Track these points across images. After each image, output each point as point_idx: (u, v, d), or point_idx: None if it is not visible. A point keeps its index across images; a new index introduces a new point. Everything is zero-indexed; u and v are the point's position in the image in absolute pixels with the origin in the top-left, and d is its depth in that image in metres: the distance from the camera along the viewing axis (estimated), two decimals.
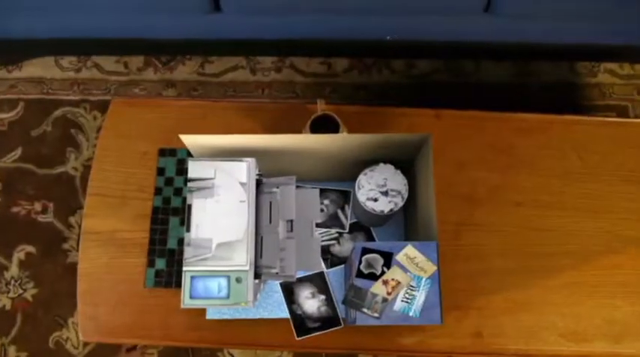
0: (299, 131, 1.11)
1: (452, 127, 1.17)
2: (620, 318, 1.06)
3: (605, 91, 1.81)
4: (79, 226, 1.65)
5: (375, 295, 0.84)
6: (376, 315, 0.82)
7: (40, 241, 1.65)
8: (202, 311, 1.05)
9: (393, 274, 0.85)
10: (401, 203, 0.94)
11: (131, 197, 1.13)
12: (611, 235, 1.10)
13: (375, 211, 0.94)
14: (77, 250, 1.63)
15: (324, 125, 1.08)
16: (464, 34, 1.58)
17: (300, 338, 1.03)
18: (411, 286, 0.83)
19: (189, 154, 1.15)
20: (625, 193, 1.13)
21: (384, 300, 0.83)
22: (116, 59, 1.84)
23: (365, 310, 0.83)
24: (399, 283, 0.84)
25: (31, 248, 1.65)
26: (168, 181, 1.14)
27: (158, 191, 1.13)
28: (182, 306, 0.80)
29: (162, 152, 1.16)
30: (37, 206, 1.68)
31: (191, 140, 0.89)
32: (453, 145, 1.15)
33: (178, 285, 1.07)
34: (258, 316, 1.04)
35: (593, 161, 1.15)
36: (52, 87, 1.81)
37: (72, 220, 1.67)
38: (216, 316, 1.04)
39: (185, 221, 1.00)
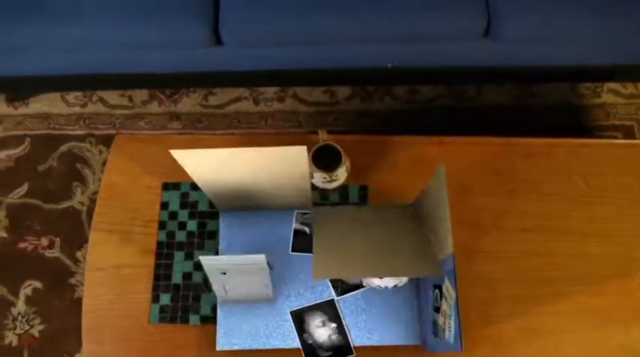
0: None
1: (455, 154, 1.16)
2: (635, 343, 1.03)
3: (610, 111, 1.81)
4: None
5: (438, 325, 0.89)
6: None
7: (47, 276, 1.65)
8: (211, 345, 1.04)
9: (444, 304, 0.86)
10: (405, 280, 0.97)
11: (136, 232, 1.13)
12: (621, 259, 1.08)
13: (380, 287, 0.98)
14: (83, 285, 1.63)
15: (326, 155, 1.08)
16: (464, 59, 1.59)
17: None
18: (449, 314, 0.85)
19: (193, 188, 1.15)
20: (633, 216, 1.11)
21: (442, 329, 0.88)
22: (121, 93, 1.86)
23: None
24: (445, 312, 0.86)
25: (37, 284, 1.64)
26: (173, 215, 1.14)
27: (162, 225, 1.13)
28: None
29: (166, 186, 1.16)
30: (44, 241, 1.68)
31: (183, 156, 0.90)
32: (457, 171, 1.15)
33: (184, 320, 1.06)
34: (269, 346, 1.03)
35: (599, 184, 1.14)
36: (58, 122, 1.83)
37: (78, 254, 1.67)
38: (227, 347, 1.03)
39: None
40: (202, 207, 1.14)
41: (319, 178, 1.09)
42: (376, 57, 1.58)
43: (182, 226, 1.13)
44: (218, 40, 1.49)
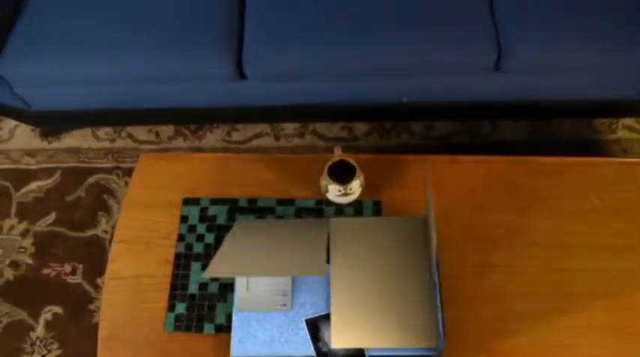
0: (318, 180, 1.14)
1: (468, 172, 1.19)
2: None
3: (626, 146, 1.82)
4: None
5: None
6: None
7: (68, 302, 1.67)
8: (225, 353, 1.04)
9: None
10: None
11: (155, 244, 1.16)
12: (637, 273, 1.06)
13: None
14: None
15: (341, 171, 1.12)
16: (477, 93, 1.64)
17: None
18: None
19: (212, 203, 1.19)
20: None
21: None
22: (148, 129, 1.95)
23: None
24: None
25: (58, 309, 1.67)
26: (191, 229, 1.17)
27: (181, 238, 1.16)
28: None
29: (186, 201, 1.20)
30: (67, 267, 1.72)
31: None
32: (470, 189, 1.17)
33: (198, 329, 1.07)
34: (283, 354, 1.02)
35: (613, 201, 1.14)
36: (87, 156, 1.92)
37: (99, 281, 1.70)
38: (242, 354, 1.02)
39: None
40: (220, 221, 1.18)
41: (334, 191, 1.12)
42: (392, 91, 1.64)
43: (200, 238, 1.16)
44: (242, 74, 1.58)
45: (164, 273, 1.13)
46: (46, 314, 1.67)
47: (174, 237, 1.16)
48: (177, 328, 1.08)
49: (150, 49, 1.53)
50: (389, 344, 0.98)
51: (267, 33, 1.53)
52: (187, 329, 1.08)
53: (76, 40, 1.54)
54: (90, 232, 1.77)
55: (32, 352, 1.62)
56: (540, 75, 1.56)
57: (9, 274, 1.74)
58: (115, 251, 1.17)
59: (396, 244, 1.09)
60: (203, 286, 1.11)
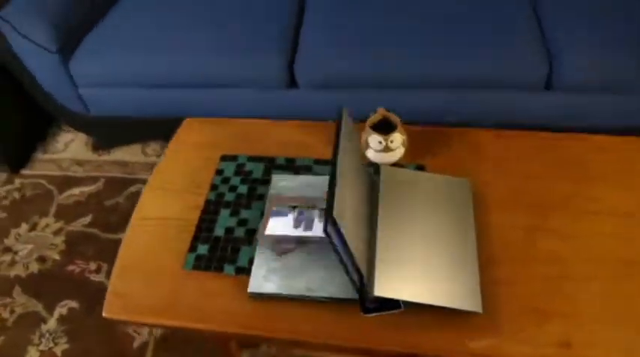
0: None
1: (515, 145, 1.14)
2: None
3: None
4: None
5: None
6: None
7: (86, 297, 1.60)
8: (243, 294, 0.94)
9: None
10: None
11: (187, 191, 1.13)
12: None
13: None
14: None
15: (383, 128, 1.09)
16: (525, 115, 1.61)
17: (367, 315, 0.89)
18: None
19: (250, 160, 1.17)
20: None
21: None
22: None
23: None
24: None
25: (74, 304, 1.59)
26: (225, 180, 1.14)
27: (214, 188, 1.13)
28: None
29: (224, 158, 1.19)
30: (92, 266, 1.67)
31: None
32: (518, 159, 1.11)
33: (218, 269, 0.99)
34: (305, 295, 0.92)
35: None
36: (133, 169, 1.95)
37: None
38: (259, 290, 0.93)
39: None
40: (255, 175, 1.14)
41: (375, 145, 1.08)
42: (439, 107, 1.64)
43: (232, 188, 1.12)
44: (293, 82, 1.63)
45: (191, 217, 1.08)
46: (62, 308, 1.59)
47: (207, 186, 1.13)
48: (195, 267, 1.00)
49: (208, 47, 1.62)
50: (433, 302, 0.87)
51: (323, 38, 1.60)
52: (207, 269, 1.00)
53: (142, 39, 1.66)
54: (122, 235, 1.74)
55: (39, 344, 1.51)
56: (596, 91, 1.51)
57: (34, 267, 1.70)
58: (145, 195, 1.14)
59: (444, 203, 1.02)
60: (229, 230, 1.05)
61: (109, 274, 1.65)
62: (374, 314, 0.89)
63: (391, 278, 0.89)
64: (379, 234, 0.95)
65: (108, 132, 2.00)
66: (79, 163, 2.00)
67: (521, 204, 1.03)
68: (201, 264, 1.00)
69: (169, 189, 1.14)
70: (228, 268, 0.99)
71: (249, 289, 0.94)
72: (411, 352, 0.86)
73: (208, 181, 1.14)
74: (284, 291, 0.93)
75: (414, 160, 1.13)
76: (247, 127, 1.26)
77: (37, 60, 1.71)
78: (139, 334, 1.50)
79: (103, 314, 0.97)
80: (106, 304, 0.98)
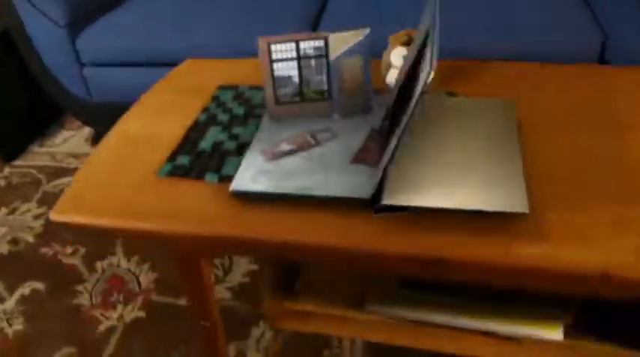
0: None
1: (558, 75, 0.98)
2: None
3: None
4: (104, 271, 1.40)
5: None
6: None
7: (54, 280, 1.39)
8: (226, 198, 0.76)
9: None
10: None
11: (177, 113, 0.98)
12: None
13: None
14: (90, 293, 1.34)
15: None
16: None
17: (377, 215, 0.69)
18: None
19: (251, 89, 1.02)
20: None
21: None
22: None
23: None
24: None
25: (39, 285, 1.38)
26: (220, 104, 0.99)
27: (206, 110, 0.98)
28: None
29: (222, 87, 1.04)
30: (68, 250, 1.48)
31: None
32: (566, 88, 0.94)
33: (199, 177, 0.81)
34: (302, 193, 0.72)
35: None
36: None
37: (98, 265, 1.42)
38: (243, 188, 0.74)
39: None
40: (255, 101, 0.99)
41: (398, 62, 0.93)
42: None
43: (227, 110, 0.97)
44: None
45: (176, 133, 0.92)
46: (25, 289, 1.38)
47: (199, 111, 0.98)
48: (171, 173, 0.83)
49: (220, 27, 1.54)
50: (469, 206, 0.68)
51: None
52: (185, 175, 0.82)
53: (150, 15, 1.59)
54: None
55: None
56: None
57: (4, 248, 1.51)
58: (132, 111, 1.00)
59: (484, 124, 0.84)
60: (218, 144, 0.88)
61: (84, 259, 1.45)
62: (387, 213, 0.69)
63: (419, 182, 0.70)
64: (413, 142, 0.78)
65: (110, 123, 1.88)
66: (75, 155, 1.87)
67: (562, 121, 0.86)
68: (179, 172, 0.83)
69: (157, 109, 1.00)
70: (211, 176, 0.81)
71: (232, 188, 0.75)
72: (436, 257, 0.65)
73: (200, 108, 0.99)
74: (275, 190, 0.74)
75: (444, 86, 0.97)
76: (250, 65, 1.12)
77: (44, 34, 1.65)
78: (106, 317, 1.28)
79: (50, 216, 0.79)
80: (56, 204, 0.80)
